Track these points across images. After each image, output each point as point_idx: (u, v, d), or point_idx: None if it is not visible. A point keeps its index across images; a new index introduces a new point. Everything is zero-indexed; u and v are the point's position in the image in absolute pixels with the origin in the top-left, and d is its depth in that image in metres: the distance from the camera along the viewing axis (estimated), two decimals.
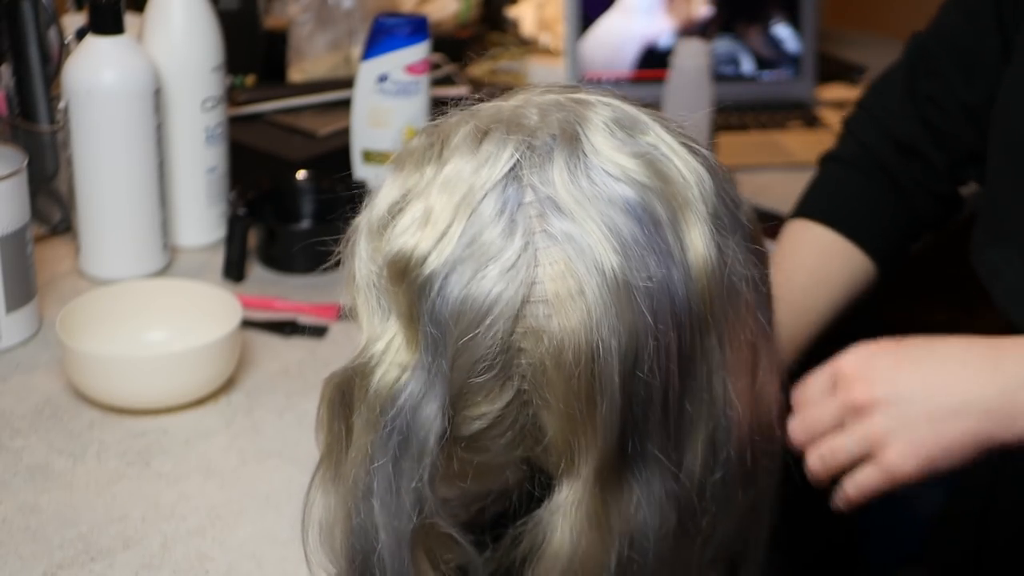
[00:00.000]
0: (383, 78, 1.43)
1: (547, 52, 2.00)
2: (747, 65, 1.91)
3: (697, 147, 0.71)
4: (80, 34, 1.36)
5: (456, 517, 0.72)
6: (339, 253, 0.73)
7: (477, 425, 0.69)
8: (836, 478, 0.90)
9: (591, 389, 0.65)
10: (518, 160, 0.68)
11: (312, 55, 1.78)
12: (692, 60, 1.62)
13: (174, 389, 1.14)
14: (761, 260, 0.72)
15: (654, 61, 1.86)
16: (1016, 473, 1.17)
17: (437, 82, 1.70)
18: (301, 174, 1.47)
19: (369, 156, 1.46)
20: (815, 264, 1.14)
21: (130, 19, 1.32)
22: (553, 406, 0.67)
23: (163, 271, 1.38)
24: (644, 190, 0.67)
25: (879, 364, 0.89)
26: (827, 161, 1.22)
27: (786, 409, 0.78)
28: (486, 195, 0.67)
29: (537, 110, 0.70)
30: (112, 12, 1.29)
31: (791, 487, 0.82)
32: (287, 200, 1.45)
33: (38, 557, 0.97)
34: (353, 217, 0.74)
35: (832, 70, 2.02)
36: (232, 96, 1.60)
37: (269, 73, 1.77)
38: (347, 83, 1.51)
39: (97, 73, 1.29)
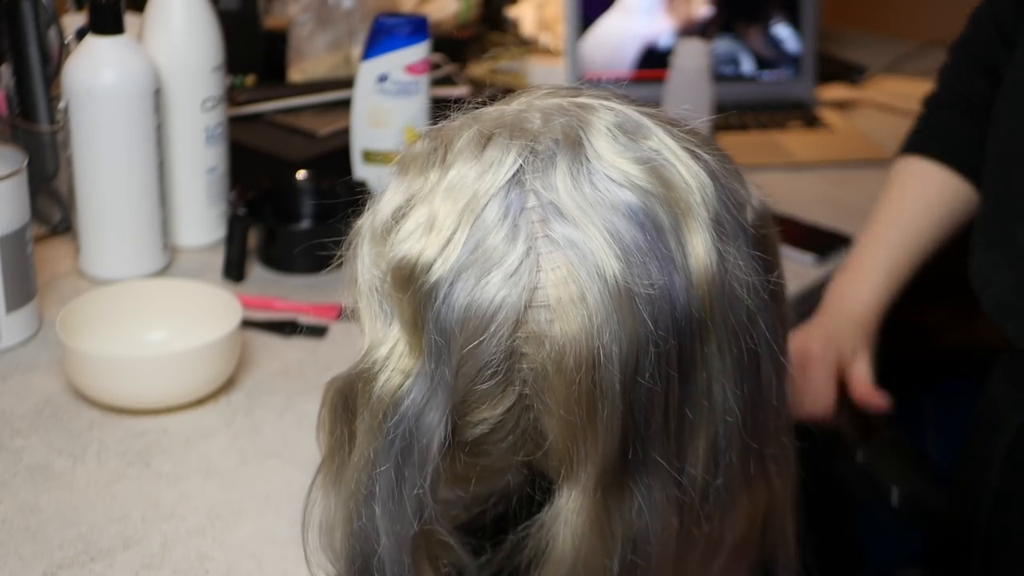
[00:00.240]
0: (383, 78, 1.43)
1: (547, 52, 2.00)
2: (747, 65, 1.91)
3: (700, 151, 0.71)
4: (80, 34, 1.36)
5: (456, 519, 0.72)
6: (340, 254, 0.73)
7: (479, 430, 0.69)
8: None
9: (592, 395, 0.65)
10: (521, 165, 0.68)
11: (312, 55, 1.78)
12: (692, 60, 1.62)
13: (174, 389, 1.14)
14: (764, 265, 0.72)
15: (654, 61, 1.86)
16: (1017, 472, 1.17)
17: (437, 82, 1.70)
18: (301, 174, 1.47)
19: (369, 156, 1.46)
20: (920, 190, 1.27)
21: (130, 19, 1.32)
22: (554, 411, 0.66)
23: (163, 271, 1.38)
24: (647, 196, 0.67)
25: None
26: (927, 103, 1.32)
27: (792, 415, 0.78)
28: (489, 200, 0.67)
29: (540, 114, 0.70)
30: (112, 12, 1.29)
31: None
32: (287, 200, 1.45)
33: (38, 557, 0.97)
34: (354, 217, 0.73)
35: (832, 70, 2.02)
36: (232, 96, 1.60)
37: (269, 73, 1.77)
38: (347, 83, 1.51)
39: (97, 73, 1.29)
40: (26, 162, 1.23)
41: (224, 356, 1.15)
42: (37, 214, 1.39)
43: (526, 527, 0.70)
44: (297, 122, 1.63)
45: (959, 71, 1.28)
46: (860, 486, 1.15)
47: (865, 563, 1.44)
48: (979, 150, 1.20)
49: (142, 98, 1.31)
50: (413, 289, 0.67)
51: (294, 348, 1.25)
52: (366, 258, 0.71)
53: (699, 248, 0.67)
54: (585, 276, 0.65)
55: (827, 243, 1.50)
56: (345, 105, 1.50)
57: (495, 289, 0.65)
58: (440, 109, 0.75)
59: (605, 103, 0.72)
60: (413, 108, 1.44)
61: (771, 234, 0.74)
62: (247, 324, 1.24)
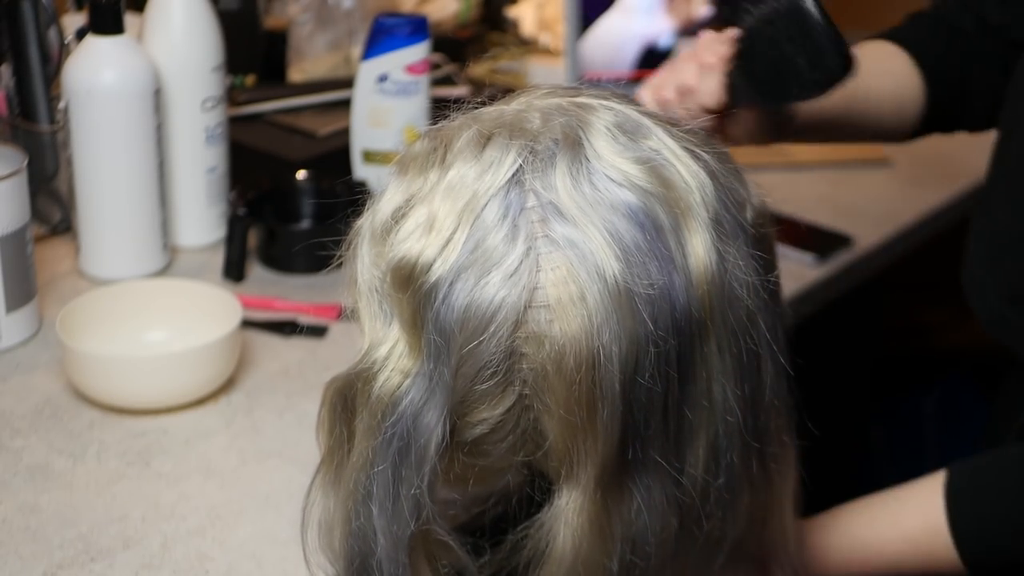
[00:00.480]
0: (383, 78, 1.43)
1: (547, 52, 2.00)
2: None
3: (699, 151, 0.71)
4: (80, 34, 1.36)
5: (456, 519, 0.72)
6: (340, 255, 0.73)
7: (478, 430, 0.69)
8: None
9: (592, 395, 0.65)
10: (521, 165, 0.68)
11: (312, 55, 1.78)
12: None
13: (174, 389, 1.14)
14: (764, 265, 0.72)
15: (654, 61, 1.85)
16: None
17: (437, 82, 1.70)
18: (301, 174, 1.47)
19: (369, 156, 1.46)
20: (881, 55, 1.19)
21: (130, 19, 1.32)
22: (554, 411, 0.67)
23: (163, 271, 1.38)
24: (646, 195, 0.67)
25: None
26: (911, 16, 1.27)
27: (794, 414, 0.78)
28: (489, 200, 0.67)
29: (539, 114, 0.70)
30: (112, 12, 1.28)
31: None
32: (287, 200, 1.45)
33: (38, 557, 0.97)
34: (354, 217, 0.74)
35: None
36: (232, 96, 1.60)
37: (269, 73, 1.77)
38: (347, 83, 1.51)
39: (97, 73, 1.29)
40: (26, 162, 1.23)
41: (224, 356, 1.15)
42: (37, 214, 1.39)
43: (525, 527, 0.70)
44: (297, 122, 1.63)
45: (948, 4, 1.24)
46: None
47: None
48: (942, 63, 1.18)
49: (142, 98, 1.31)
50: (413, 289, 0.67)
51: (294, 348, 1.25)
52: (366, 258, 0.71)
53: (699, 248, 0.67)
54: (585, 276, 0.65)
55: (827, 243, 1.50)
56: (345, 105, 1.50)
57: (495, 289, 0.66)
58: (440, 109, 0.75)
59: (605, 103, 0.72)
60: (413, 108, 1.44)
61: (770, 233, 0.74)
62: (247, 324, 1.24)
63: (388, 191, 0.71)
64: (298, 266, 1.38)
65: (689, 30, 1.87)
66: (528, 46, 2.02)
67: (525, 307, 0.66)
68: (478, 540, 0.73)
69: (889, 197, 1.64)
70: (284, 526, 1.00)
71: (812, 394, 0.81)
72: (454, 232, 0.67)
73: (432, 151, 0.71)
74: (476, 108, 0.74)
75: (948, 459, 0.98)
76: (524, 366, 0.67)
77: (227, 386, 1.18)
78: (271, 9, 1.86)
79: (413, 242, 0.68)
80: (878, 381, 1.89)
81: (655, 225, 0.67)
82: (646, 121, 0.71)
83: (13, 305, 1.22)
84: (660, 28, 1.88)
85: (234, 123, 1.50)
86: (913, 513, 0.94)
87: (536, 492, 0.71)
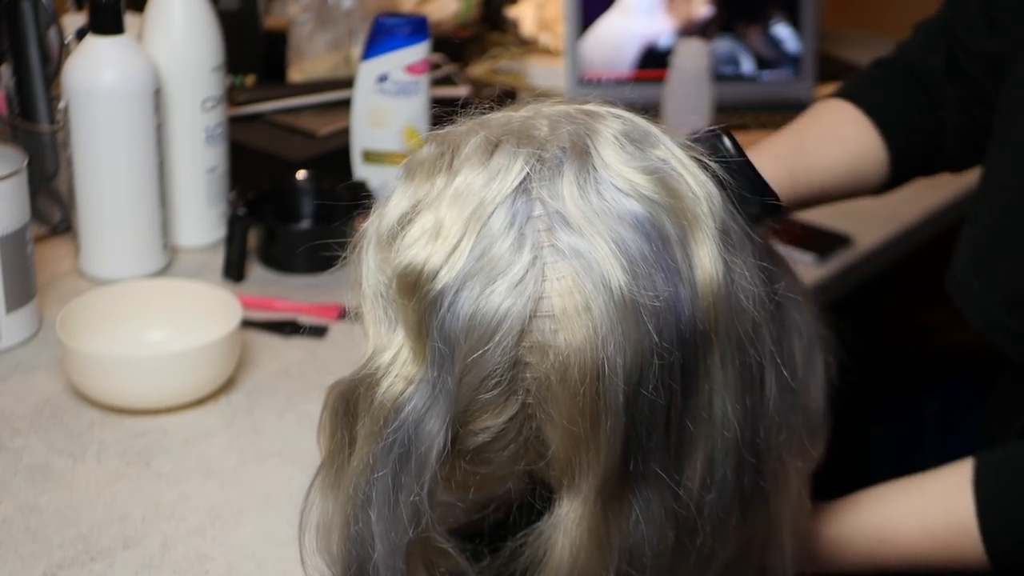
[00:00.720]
0: (383, 78, 1.43)
1: (547, 52, 2.00)
2: (747, 65, 1.91)
3: (708, 161, 0.70)
4: (80, 34, 1.36)
5: (455, 524, 0.72)
6: (342, 256, 0.73)
7: (481, 438, 0.68)
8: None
9: (596, 406, 0.65)
10: (528, 173, 0.67)
11: (312, 55, 1.78)
12: (692, 60, 1.62)
13: (174, 389, 1.14)
14: (770, 276, 0.72)
15: (654, 61, 1.86)
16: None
17: (437, 82, 1.70)
18: (301, 174, 1.47)
19: (369, 156, 1.46)
20: (830, 123, 1.15)
21: (130, 19, 1.32)
22: (557, 421, 0.66)
23: (163, 271, 1.38)
24: (653, 206, 0.67)
25: None
26: (874, 63, 1.23)
27: (799, 431, 0.77)
28: (496, 208, 0.66)
29: (547, 121, 0.70)
30: (112, 12, 1.28)
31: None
32: (287, 200, 1.45)
33: (38, 557, 0.97)
34: (354, 218, 0.73)
35: (832, 70, 2.01)
36: (232, 96, 1.60)
37: (269, 73, 1.77)
38: (347, 83, 1.51)
39: (97, 73, 1.29)
40: (26, 162, 1.23)
41: (224, 356, 1.15)
42: (37, 214, 1.39)
43: (525, 534, 0.70)
44: (297, 122, 1.63)
45: (914, 44, 1.21)
46: None
47: None
48: (903, 116, 1.15)
49: (142, 98, 1.31)
50: (418, 296, 0.67)
51: (294, 348, 1.25)
52: (371, 263, 0.71)
53: (705, 260, 0.67)
54: (590, 286, 0.65)
55: (827, 243, 1.50)
56: (345, 105, 1.50)
57: (500, 298, 0.65)
58: (440, 109, 0.75)
59: (613, 111, 0.71)
60: (413, 108, 1.44)
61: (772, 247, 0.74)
62: (247, 324, 1.24)
63: (394, 196, 0.71)
64: (298, 266, 1.38)
65: (689, 30, 1.87)
66: (528, 46, 2.02)
67: (530, 317, 0.65)
68: (477, 545, 0.73)
69: (889, 197, 1.63)
70: (284, 526, 1.00)
71: None
72: (460, 239, 0.66)
73: (439, 156, 0.70)
74: (481, 111, 0.74)
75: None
76: (528, 376, 0.66)
77: (227, 386, 1.18)
78: (271, 9, 1.86)
79: (419, 249, 0.67)
80: (878, 381, 1.89)
81: (661, 236, 0.66)
82: (654, 130, 0.71)
83: (13, 305, 1.22)
84: (660, 28, 1.88)
85: (234, 123, 1.50)
86: (937, 507, 0.93)
87: (537, 500, 0.70)
